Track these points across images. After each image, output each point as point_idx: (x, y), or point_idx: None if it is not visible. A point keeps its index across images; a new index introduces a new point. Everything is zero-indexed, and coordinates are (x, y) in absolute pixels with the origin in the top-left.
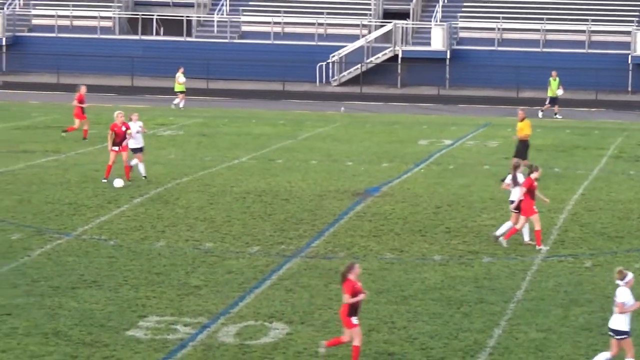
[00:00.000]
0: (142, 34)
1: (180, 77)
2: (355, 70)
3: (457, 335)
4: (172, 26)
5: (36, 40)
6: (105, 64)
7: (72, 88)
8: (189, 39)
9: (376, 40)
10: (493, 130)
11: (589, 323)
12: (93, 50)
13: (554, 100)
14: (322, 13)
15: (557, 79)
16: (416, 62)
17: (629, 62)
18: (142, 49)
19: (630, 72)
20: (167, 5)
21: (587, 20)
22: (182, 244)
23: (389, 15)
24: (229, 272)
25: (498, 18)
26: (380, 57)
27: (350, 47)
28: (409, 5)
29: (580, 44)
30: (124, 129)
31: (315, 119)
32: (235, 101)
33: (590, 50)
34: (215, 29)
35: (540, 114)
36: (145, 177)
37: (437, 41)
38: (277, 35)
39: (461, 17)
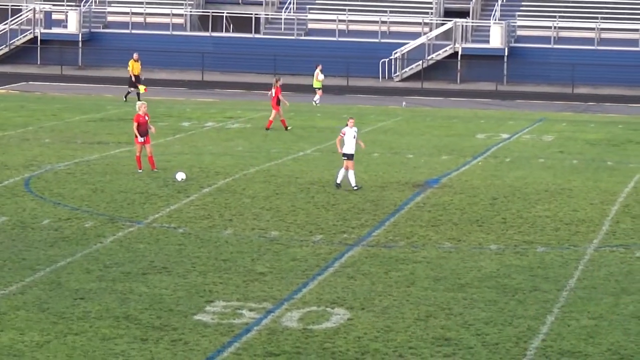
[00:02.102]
0: (212, 30)
1: (319, 74)
2: (416, 67)
3: (512, 322)
4: (241, 23)
5: (111, 36)
6: (177, 59)
7: (145, 82)
8: (257, 35)
9: (437, 37)
10: (548, 125)
11: (639, 311)
12: (165, 46)
13: None
14: (385, 11)
15: None
16: (475, 59)
17: None
18: (212, 45)
19: None
20: (236, 3)
21: (639, 19)
22: (248, 232)
23: (449, 13)
24: (293, 259)
25: (554, 17)
26: (440, 54)
27: (412, 44)
28: (469, 4)
29: (633, 42)
30: (146, 118)
31: (378, 113)
32: (301, 95)
33: None
34: (283, 26)
35: None
36: (356, 187)
37: (496, 39)
38: (341, 33)
39: (519, 15)
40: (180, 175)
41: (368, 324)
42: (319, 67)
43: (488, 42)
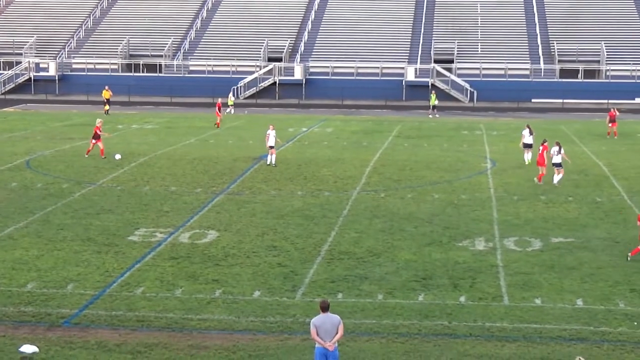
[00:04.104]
0: (134, 71)
1: (231, 96)
2: (253, 90)
3: (311, 235)
4: (151, 67)
5: (75, 76)
6: (114, 89)
7: (98, 103)
8: (160, 74)
9: (264, 73)
10: (328, 122)
11: (383, 227)
12: (108, 82)
13: (434, 107)
14: (234, 59)
15: (435, 95)
16: (287, 86)
17: (403, 84)
18: (134, 80)
19: (404, 89)
20: (147, 56)
21: (380, 59)
22: (158, 188)
23: (271, 59)
24: (184, 203)
25: (331, 60)
26: (266, 83)
27: (250, 77)
28: (282, 54)
29: (376, 74)
30: (100, 129)
31: (232, 118)
32: (186, 108)
33: (382, 78)
34: (175, 68)
35: (430, 116)
36: (275, 165)
37: (298, 74)
38: (210, 72)
39: (311, 60)
40: (117, 156)
41: (229, 239)
42: (231, 93)
43: (293, 75)
